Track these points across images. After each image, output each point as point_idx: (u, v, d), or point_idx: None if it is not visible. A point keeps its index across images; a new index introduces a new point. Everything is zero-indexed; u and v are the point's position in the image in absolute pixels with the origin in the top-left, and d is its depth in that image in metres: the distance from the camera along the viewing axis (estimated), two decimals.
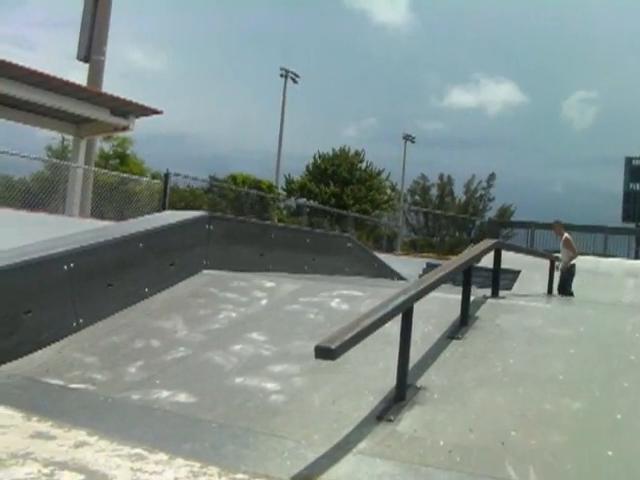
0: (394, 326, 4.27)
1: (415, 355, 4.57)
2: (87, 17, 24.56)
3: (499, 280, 6.60)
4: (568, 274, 15.41)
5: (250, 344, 5.41)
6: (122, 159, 38.98)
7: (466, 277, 5.57)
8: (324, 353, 3.48)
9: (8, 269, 5.53)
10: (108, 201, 20.41)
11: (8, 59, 17.12)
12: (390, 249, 35.18)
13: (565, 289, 15.27)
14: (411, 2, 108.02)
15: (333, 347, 3.44)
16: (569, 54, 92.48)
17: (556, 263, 14.12)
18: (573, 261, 15.59)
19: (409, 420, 4.04)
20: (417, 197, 58.66)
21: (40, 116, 20.32)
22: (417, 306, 4.45)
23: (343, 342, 3.51)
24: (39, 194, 18.67)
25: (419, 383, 4.47)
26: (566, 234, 15.70)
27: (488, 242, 6.41)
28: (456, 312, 5.45)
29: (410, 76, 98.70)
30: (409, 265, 21.62)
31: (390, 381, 4.35)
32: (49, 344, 5.70)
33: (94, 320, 6.14)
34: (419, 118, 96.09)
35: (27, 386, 4.98)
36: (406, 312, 4.28)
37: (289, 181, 48.14)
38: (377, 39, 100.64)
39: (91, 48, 24.43)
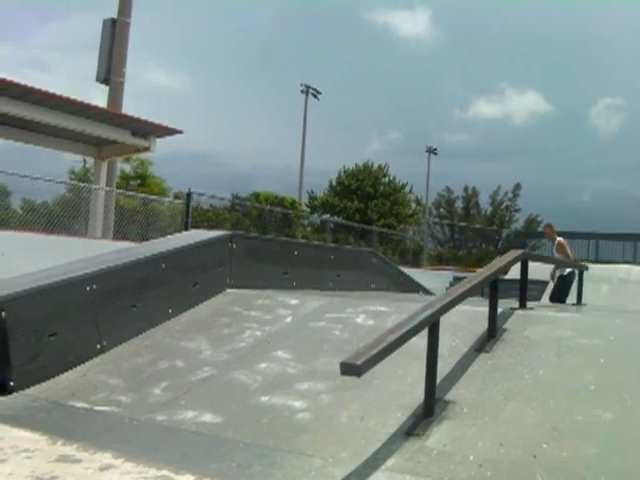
0: (421, 340, 4.24)
1: (443, 369, 4.55)
2: (106, 39, 24.77)
3: (526, 291, 6.56)
4: (563, 283, 14.06)
5: (275, 362, 5.40)
6: (143, 180, 39.16)
7: (493, 289, 5.54)
8: (350, 370, 3.47)
9: (32, 292, 5.56)
10: (130, 222, 20.51)
11: (27, 82, 17.27)
12: (416, 263, 35.09)
13: (559, 300, 13.94)
14: (433, 14, 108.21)
15: (359, 363, 3.42)
16: (594, 61, 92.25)
17: (551, 271, 14.12)
18: (568, 269, 14.13)
19: (438, 435, 4.02)
20: (442, 210, 58.47)
21: (61, 139, 20.47)
22: (444, 319, 4.42)
23: (369, 358, 3.50)
24: (62, 217, 18.79)
25: (448, 397, 4.44)
26: (559, 238, 14.50)
27: (515, 253, 6.37)
28: (483, 325, 5.41)
29: (433, 88, 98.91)
30: (435, 279, 21.59)
31: (418, 396, 4.32)
32: (73, 367, 5.72)
33: (118, 342, 6.16)
34: (443, 130, 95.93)
35: (52, 409, 4.99)
36: (432, 326, 4.25)
37: (312, 197, 48.17)
38: (399, 52, 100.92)
39: (110, 70, 24.62)
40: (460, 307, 4.91)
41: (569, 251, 14.67)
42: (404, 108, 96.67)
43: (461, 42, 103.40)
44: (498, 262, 5.92)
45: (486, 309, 5.45)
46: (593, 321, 6.07)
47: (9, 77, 17.03)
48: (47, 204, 22.30)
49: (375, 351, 3.59)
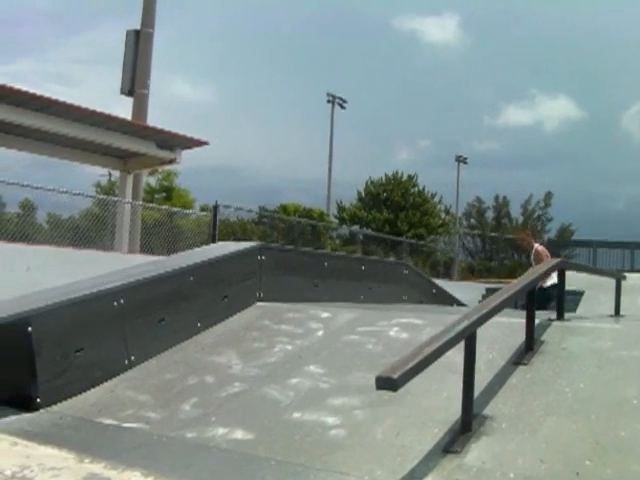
0: (457, 354, 4.18)
1: (480, 383, 4.48)
2: (130, 51, 24.95)
3: (564, 301, 6.48)
4: (542, 296, 11.47)
5: (307, 377, 5.35)
6: (168, 192, 39.36)
7: (530, 300, 5.47)
8: (385, 384, 3.41)
9: (59, 307, 5.56)
10: (156, 236, 20.60)
11: (52, 96, 17.40)
12: (447, 275, 34.96)
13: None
14: (461, 20, 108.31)
15: (395, 377, 3.37)
16: (627, 65, 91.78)
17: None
18: (550, 281, 12.02)
19: (477, 452, 3.95)
20: (472, 220, 58.31)
21: (86, 152, 20.62)
22: (480, 332, 4.36)
23: (405, 372, 3.44)
24: (88, 231, 18.90)
25: (485, 412, 4.37)
26: (537, 245, 13.38)
27: (551, 262, 6.30)
28: (520, 337, 5.34)
29: (463, 95, 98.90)
30: (468, 290, 21.47)
31: (455, 411, 4.25)
32: (101, 383, 5.71)
33: (146, 357, 6.14)
34: (473, 138, 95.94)
35: (79, 426, 4.98)
36: (469, 338, 4.19)
37: (341, 208, 48.21)
38: (427, 59, 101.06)
39: (135, 82, 24.78)
40: (496, 319, 4.83)
41: (547, 259, 12.34)
42: (433, 116, 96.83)
43: (490, 48, 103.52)
44: (535, 271, 5.85)
45: (522, 320, 5.39)
46: (633, 332, 5.98)
47: (33, 91, 17.18)
48: (73, 218, 22.47)
49: (411, 364, 3.54)
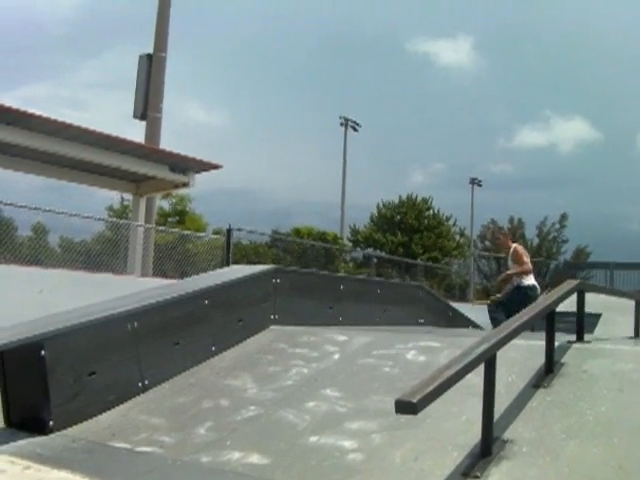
0: (475, 376, 4.14)
1: (499, 406, 4.43)
2: (142, 75, 25.13)
3: (583, 323, 6.43)
4: (518, 296, 11.21)
5: (324, 401, 5.32)
6: (181, 216, 39.45)
7: (549, 322, 5.43)
8: (405, 407, 3.38)
9: (72, 330, 5.55)
10: (169, 259, 20.66)
11: (66, 120, 17.50)
12: (462, 297, 34.89)
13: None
14: (475, 42, 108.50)
15: (415, 401, 3.34)
16: None
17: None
18: (529, 281, 11.56)
19: (497, 476, 3.90)
20: (487, 242, 58.18)
21: (99, 176, 20.72)
22: (499, 354, 4.33)
23: (425, 395, 3.41)
24: (100, 255, 18.96)
25: (506, 436, 4.32)
26: (515, 245, 12.06)
27: (570, 283, 6.25)
28: (540, 359, 5.29)
29: (477, 118, 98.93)
30: (483, 313, 21.30)
31: (474, 435, 4.21)
32: (114, 406, 5.69)
33: (160, 380, 6.12)
34: (487, 160, 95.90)
35: (93, 450, 4.95)
36: (489, 361, 4.16)
37: (354, 232, 48.26)
38: (441, 82, 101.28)
39: (147, 106, 24.91)
40: (514, 341, 4.80)
41: (527, 259, 11.99)
42: (447, 139, 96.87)
43: (504, 69, 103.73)
44: (554, 293, 5.81)
45: (541, 342, 5.34)
46: None
47: (46, 115, 17.30)
48: (85, 242, 22.55)
49: (431, 388, 3.51)
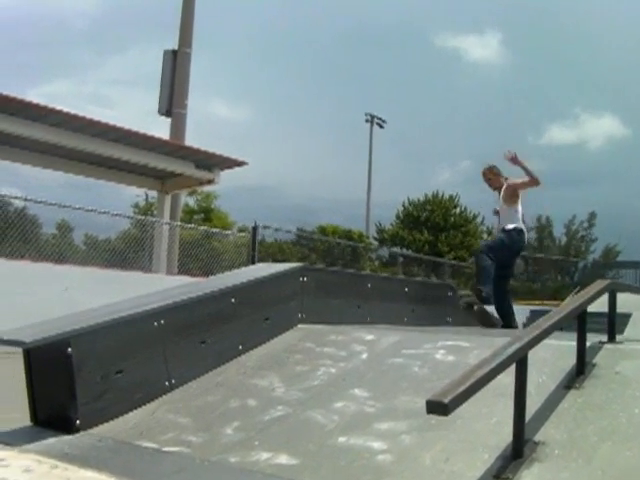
0: (505, 377, 4.11)
1: (530, 407, 4.39)
2: (167, 71, 25.22)
3: (615, 324, 6.37)
4: (504, 244, 10.59)
5: (352, 401, 5.29)
6: (207, 214, 39.60)
7: (580, 322, 5.38)
8: (437, 408, 3.36)
9: (98, 328, 5.56)
10: (194, 257, 20.73)
11: (89, 116, 17.58)
12: None
13: (499, 282, 10.58)
14: (503, 37, 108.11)
15: (446, 401, 3.31)
16: None
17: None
18: (515, 223, 10.72)
19: (529, 478, 3.87)
20: None
21: (124, 172, 20.83)
22: (529, 355, 4.30)
23: (456, 396, 3.39)
24: (125, 252, 19.05)
25: (537, 438, 4.28)
26: (507, 181, 11.05)
27: (602, 283, 6.19)
28: (571, 360, 5.24)
29: (505, 115, 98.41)
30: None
31: (505, 436, 4.18)
32: (141, 405, 5.69)
33: (187, 379, 6.12)
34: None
35: (120, 449, 4.95)
36: (520, 361, 4.13)
37: (380, 230, 48.20)
38: (470, 77, 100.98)
39: (172, 102, 24.96)
40: (545, 341, 4.76)
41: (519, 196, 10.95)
42: (474, 136, 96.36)
43: (533, 66, 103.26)
44: (586, 293, 5.76)
45: (572, 343, 5.29)
46: None
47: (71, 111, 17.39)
48: (110, 239, 22.67)
49: (463, 388, 3.49)
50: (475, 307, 10.37)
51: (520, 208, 10.97)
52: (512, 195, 10.87)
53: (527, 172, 10.68)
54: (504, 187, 10.98)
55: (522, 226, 10.95)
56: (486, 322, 10.24)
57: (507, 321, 10.82)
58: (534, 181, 10.77)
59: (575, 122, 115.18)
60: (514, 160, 10.60)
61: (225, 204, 45.15)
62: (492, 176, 11.20)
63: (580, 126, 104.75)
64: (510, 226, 10.70)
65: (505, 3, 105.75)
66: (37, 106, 16.67)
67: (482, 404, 4.60)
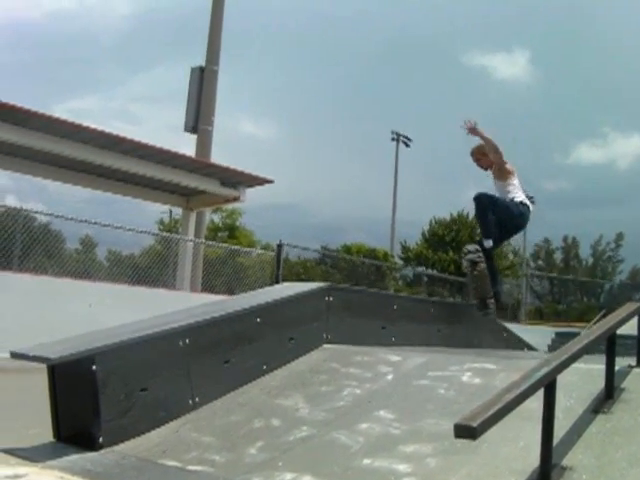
0: (532, 401, 4.08)
1: (558, 432, 4.34)
2: (194, 88, 25.30)
3: None
4: (509, 210, 9.86)
5: (377, 422, 5.27)
6: (231, 231, 39.69)
7: (609, 345, 5.34)
8: (465, 432, 3.33)
9: (123, 345, 5.58)
10: (218, 275, 20.74)
11: (116, 133, 17.70)
12: (514, 318, 34.59)
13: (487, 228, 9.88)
14: (531, 56, 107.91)
15: (475, 425, 3.29)
16: None
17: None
18: (518, 198, 10.00)
19: None
20: (540, 262, 57.68)
21: (150, 189, 20.88)
22: (557, 378, 4.27)
23: (485, 419, 3.36)
24: (149, 269, 19.10)
25: (565, 463, 4.24)
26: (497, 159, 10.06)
27: (632, 306, 6.15)
28: (599, 383, 5.19)
29: (533, 133, 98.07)
30: (536, 334, 21.16)
31: (532, 461, 4.14)
32: (165, 423, 5.71)
33: (211, 398, 6.13)
34: (543, 177, 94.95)
35: (143, 467, 4.97)
36: (549, 386, 4.10)
37: (405, 249, 48.12)
38: (496, 95, 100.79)
39: (199, 118, 25.04)
40: (573, 364, 4.73)
41: (510, 169, 10.12)
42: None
43: (561, 84, 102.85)
44: (615, 316, 5.72)
45: (601, 367, 5.25)
46: None
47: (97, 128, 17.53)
48: (133, 256, 22.75)
49: (491, 412, 3.46)
50: (477, 269, 9.79)
51: (516, 181, 10.20)
52: (500, 170, 10.12)
53: (487, 143, 9.99)
54: (494, 167, 10.19)
55: (528, 202, 10.26)
56: (483, 290, 9.87)
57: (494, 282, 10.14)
58: (495, 155, 10.04)
59: (604, 141, 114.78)
60: (473, 131, 9.93)
61: (250, 221, 45.37)
62: (480, 156, 10.36)
63: (609, 145, 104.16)
64: (518, 199, 9.99)
65: (533, 21, 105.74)
66: (65, 122, 16.77)
67: (508, 428, 4.55)
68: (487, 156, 10.15)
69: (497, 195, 10.12)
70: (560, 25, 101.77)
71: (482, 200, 9.92)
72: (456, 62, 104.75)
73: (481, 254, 9.82)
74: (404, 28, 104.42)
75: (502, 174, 10.05)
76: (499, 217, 9.85)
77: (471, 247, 10.08)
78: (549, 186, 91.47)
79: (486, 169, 10.38)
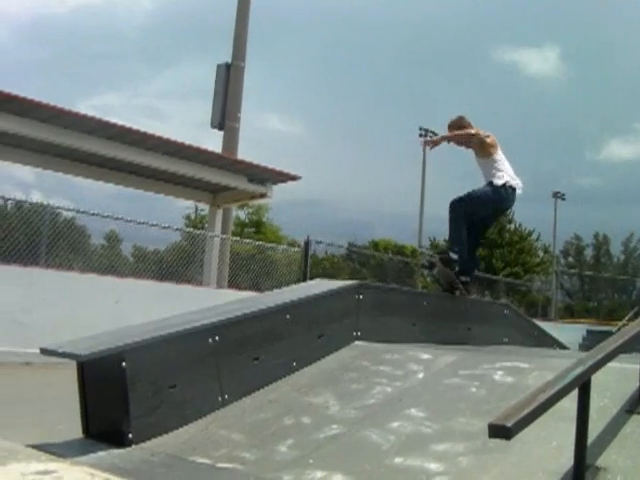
0: (566, 400, 4.06)
1: (592, 432, 4.31)
2: (220, 85, 25.34)
3: None
4: (489, 200, 9.19)
5: (408, 421, 5.26)
6: (258, 227, 39.75)
7: None
8: (499, 432, 3.32)
9: (153, 342, 5.60)
10: (244, 271, 20.76)
11: (142, 129, 17.79)
12: (544, 315, 34.44)
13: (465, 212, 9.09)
14: (562, 51, 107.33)
15: (509, 425, 3.28)
16: None
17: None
18: (502, 180, 9.19)
19: None
20: (570, 259, 57.39)
21: (177, 185, 20.97)
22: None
23: (519, 419, 3.35)
24: (174, 265, 19.17)
25: (598, 463, 4.22)
26: (473, 130, 9.51)
27: None
28: (634, 383, 5.15)
29: (563, 129, 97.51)
30: (566, 332, 21.11)
31: (565, 461, 4.13)
32: (194, 420, 5.72)
33: (240, 395, 6.14)
34: (573, 173, 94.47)
35: (172, 464, 4.98)
36: (583, 385, 4.08)
37: (434, 245, 48.00)
38: (527, 91, 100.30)
39: (225, 115, 25.08)
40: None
41: (491, 142, 9.48)
42: (531, 150, 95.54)
43: (592, 80, 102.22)
44: None
45: (635, 366, 5.22)
46: None
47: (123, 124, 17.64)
48: (159, 251, 22.83)
49: (526, 412, 3.45)
50: (436, 269, 9.50)
51: (500, 154, 9.54)
52: (482, 145, 9.47)
53: (456, 141, 9.64)
54: (476, 139, 9.48)
55: (513, 182, 9.36)
56: (448, 283, 9.34)
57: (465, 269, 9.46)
58: (471, 140, 9.52)
59: (635, 137, 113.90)
60: (433, 142, 9.83)
61: (276, 217, 45.38)
62: (458, 130, 9.60)
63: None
64: (499, 181, 9.21)
65: (564, 17, 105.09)
66: (92, 119, 16.90)
67: (541, 428, 4.54)
68: (469, 126, 9.62)
69: (481, 173, 9.53)
70: (591, 20, 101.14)
71: (457, 210, 9.23)
72: (487, 57, 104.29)
73: (434, 255, 9.60)
74: (434, 23, 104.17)
75: (484, 150, 9.47)
76: (480, 212, 9.36)
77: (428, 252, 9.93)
78: (580, 182, 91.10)
79: (467, 147, 9.78)
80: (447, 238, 9.39)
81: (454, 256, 9.13)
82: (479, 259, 10.83)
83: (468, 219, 9.17)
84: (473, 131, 9.49)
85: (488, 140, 9.45)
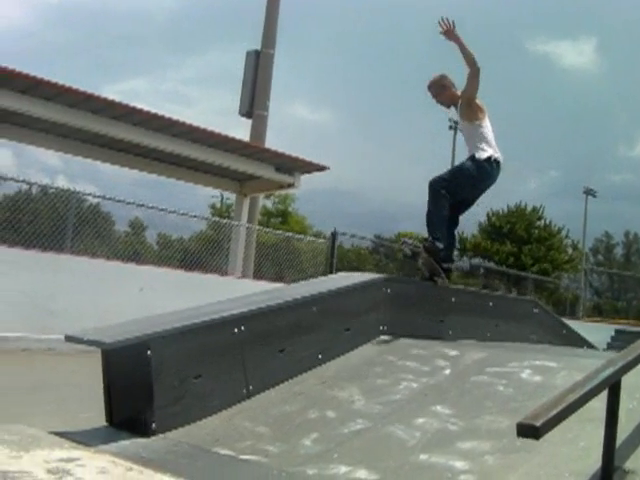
0: (594, 401, 4.06)
1: (620, 434, 4.29)
2: (249, 72, 25.32)
3: None
4: (472, 178, 8.51)
5: (434, 417, 5.27)
6: (284, 217, 39.76)
7: None
8: (528, 431, 3.32)
9: (178, 332, 5.63)
10: (270, 261, 20.80)
11: (167, 115, 17.84)
12: (572, 314, 34.27)
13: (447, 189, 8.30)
14: (598, 44, 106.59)
15: (538, 425, 3.28)
16: None
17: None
18: (486, 153, 8.48)
19: None
20: (600, 257, 57.08)
21: (203, 174, 21.02)
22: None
23: (548, 419, 3.35)
24: (200, 254, 19.21)
25: (626, 466, 4.21)
26: (459, 91, 8.72)
27: None
28: None
29: (597, 123, 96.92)
30: (594, 332, 20.98)
31: (592, 462, 4.12)
32: (218, 411, 5.75)
33: (265, 387, 6.17)
34: (606, 169, 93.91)
35: (195, 455, 5.01)
36: (613, 386, 4.07)
37: (461, 239, 47.89)
38: (561, 84, 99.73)
39: (253, 103, 25.08)
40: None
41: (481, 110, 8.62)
42: (563, 145, 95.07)
43: (627, 74, 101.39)
44: None
45: None
46: None
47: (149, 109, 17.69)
48: (183, 239, 22.90)
49: (555, 412, 3.44)
50: (420, 259, 8.63)
51: (487, 122, 8.75)
52: (468, 106, 8.58)
53: (464, 53, 8.39)
54: (459, 101, 8.66)
55: (497, 154, 8.66)
56: (431, 272, 8.62)
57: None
58: (473, 68, 8.39)
59: None
60: (449, 34, 8.44)
61: (302, 207, 45.38)
62: (440, 89, 8.81)
63: None
64: (483, 155, 8.47)
65: (600, 9, 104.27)
66: (118, 105, 16.98)
67: (568, 428, 4.52)
68: (449, 90, 8.81)
69: (465, 140, 8.83)
70: (627, 13, 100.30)
71: (438, 190, 8.44)
72: (521, 48, 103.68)
73: (418, 245, 8.73)
74: (468, 13, 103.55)
75: (472, 112, 8.59)
76: (462, 192, 8.72)
77: (408, 240, 9.33)
78: (613, 178, 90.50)
79: (448, 106, 8.97)
80: (426, 221, 8.65)
81: (440, 245, 8.49)
82: (456, 239, 10.53)
83: (450, 199, 8.48)
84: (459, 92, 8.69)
85: (477, 101, 8.62)
